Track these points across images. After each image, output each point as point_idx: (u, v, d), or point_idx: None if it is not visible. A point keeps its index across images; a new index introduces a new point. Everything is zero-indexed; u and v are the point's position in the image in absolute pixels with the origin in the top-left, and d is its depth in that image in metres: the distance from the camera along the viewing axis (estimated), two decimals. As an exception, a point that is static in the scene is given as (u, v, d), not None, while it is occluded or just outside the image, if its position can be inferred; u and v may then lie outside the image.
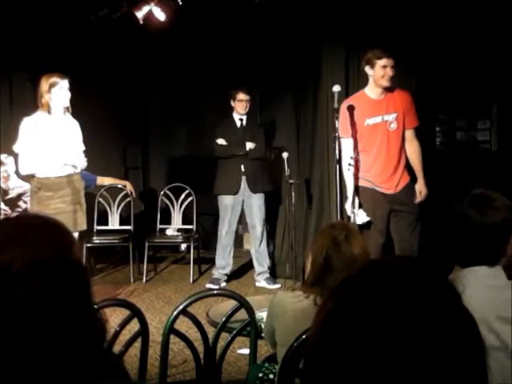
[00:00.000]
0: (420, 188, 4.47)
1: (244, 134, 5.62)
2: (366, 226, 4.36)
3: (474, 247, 1.69)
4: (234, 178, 5.55)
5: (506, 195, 1.77)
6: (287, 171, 5.39)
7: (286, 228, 5.93)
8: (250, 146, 5.54)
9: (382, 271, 0.75)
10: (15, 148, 4.41)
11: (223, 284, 5.62)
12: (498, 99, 5.45)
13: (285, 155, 5.41)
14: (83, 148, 4.51)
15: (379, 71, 4.26)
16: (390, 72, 4.26)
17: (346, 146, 4.29)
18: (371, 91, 4.37)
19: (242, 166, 5.54)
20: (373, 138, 4.34)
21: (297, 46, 5.85)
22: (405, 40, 5.15)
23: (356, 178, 4.29)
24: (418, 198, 4.44)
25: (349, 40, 5.41)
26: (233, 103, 5.65)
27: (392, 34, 5.05)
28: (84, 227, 4.53)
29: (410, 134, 4.44)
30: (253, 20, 5.73)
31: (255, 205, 5.61)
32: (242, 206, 5.64)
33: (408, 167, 4.49)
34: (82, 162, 4.49)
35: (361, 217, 4.29)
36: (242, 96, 5.59)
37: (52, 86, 4.26)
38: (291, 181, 5.43)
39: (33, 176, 4.37)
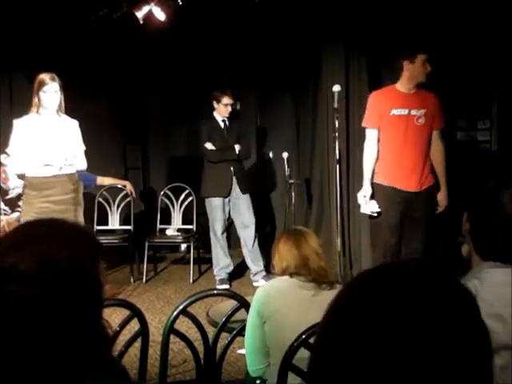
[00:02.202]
0: (442, 198, 4.27)
1: (229, 136, 5.54)
2: (377, 223, 4.31)
3: (507, 241, 1.66)
4: (225, 180, 5.48)
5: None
6: (287, 171, 5.38)
7: (286, 228, 5.93)
8: (237, 148, 5.48)
9: (392, 272, 0.75)
10: (8, 150, 4.37)
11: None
12: (498, 99, 5.45)
13: (285, 155, 5.40)
14: (83, 148, 4.40)
15: (420, 67, 4.19)
16: (428, 67, 4.20)
17: (371, 136, 4.27)
18: (403, 86, 4.27)
19: (232, 168, 5.48)
20: (395, 130, 4.22)
21: (297, 47, 5.86)
22: (405, 40, 5.15)
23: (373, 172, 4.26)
24: (440, 209, 4.26)
25: (349, 40, 5.42)
26: (216, 105, 5.50)
27: (392, 34, 5.05)
28: None
29: (435, 135, 4.34)
30: (253, 20, 5.73)
31: (244, 205, 5.54)
32: (229, 206, 5.60)
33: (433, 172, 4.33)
34: (79, 163, 4.35)
35: (372, 206, 4.24)
36: (227, 100, 5.44)
37: (39, 86, 4.20)
38: (291, 181, 5.43)
39: (24, 175, 4.34)
